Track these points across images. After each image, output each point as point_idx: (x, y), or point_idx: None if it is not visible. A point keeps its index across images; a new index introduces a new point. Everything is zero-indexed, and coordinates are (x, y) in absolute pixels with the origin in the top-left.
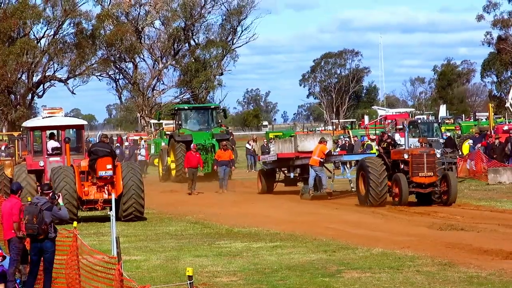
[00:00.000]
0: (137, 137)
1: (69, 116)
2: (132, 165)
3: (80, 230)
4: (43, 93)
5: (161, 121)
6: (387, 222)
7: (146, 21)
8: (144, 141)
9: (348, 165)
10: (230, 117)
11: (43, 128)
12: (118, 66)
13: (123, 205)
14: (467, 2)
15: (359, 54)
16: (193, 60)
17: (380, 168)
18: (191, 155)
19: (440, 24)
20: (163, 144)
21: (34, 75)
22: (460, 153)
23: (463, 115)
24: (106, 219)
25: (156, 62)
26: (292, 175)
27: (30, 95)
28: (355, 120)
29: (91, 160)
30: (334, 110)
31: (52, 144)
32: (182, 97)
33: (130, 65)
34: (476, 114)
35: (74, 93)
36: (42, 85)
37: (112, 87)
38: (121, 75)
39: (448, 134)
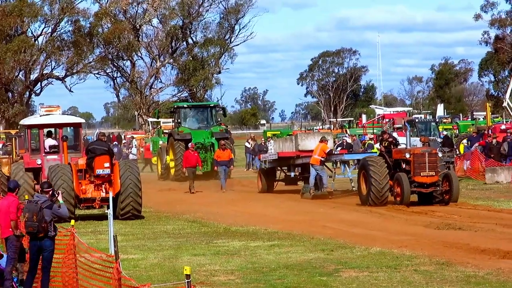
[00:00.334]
0: (135, 135)
1: (67, 114)
2: (130, 163)
3: (77, 229)
4: (41, 91)
5: (159, 119)
6: (385, 221)
7: (144, 19)
8: (136, 140)
9: (348, 164)
10: (228, 115)
11: (40, 126)
12: (116, 64)
13: (120, 204)
14: (464, 1)
15: (357, 53)
16: (191, 59)
17: (381, 168)
18: (189, 155)
19: (438, 23)
20: (161, 142)
21: (32, 73)
22: (458, 152)
23: (461, 114)
24: (104, 217)
25: (153, 60)
26: (292, 174)
27: (27, 93)
28: (352, 119)
29: (88, 158)
30: (332, 109)
31: (49, 142)
32: (180, 95)
33: (128, 63)
34: (474, 113)
35: (72, 91)
36: (39, 83)
37: (110, 85)
38: (118, 73)
39: (445, 133)
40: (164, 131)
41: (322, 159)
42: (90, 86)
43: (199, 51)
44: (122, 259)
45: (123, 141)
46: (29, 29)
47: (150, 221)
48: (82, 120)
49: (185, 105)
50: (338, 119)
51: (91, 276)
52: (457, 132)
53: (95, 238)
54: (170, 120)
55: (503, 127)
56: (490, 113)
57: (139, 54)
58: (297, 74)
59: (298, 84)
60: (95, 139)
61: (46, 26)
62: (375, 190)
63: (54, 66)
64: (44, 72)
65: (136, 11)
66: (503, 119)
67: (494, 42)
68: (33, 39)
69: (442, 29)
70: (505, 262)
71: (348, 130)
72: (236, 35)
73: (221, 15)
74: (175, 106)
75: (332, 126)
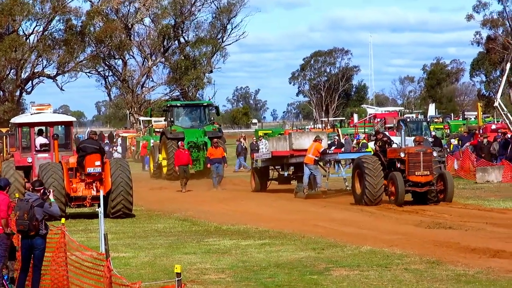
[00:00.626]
0: (126, 134)
1: (58, 113)
2: (121, 162)
3: (68, 227)
4: (32, 89)
5: (151, 118)
6: (376, 220)
7: (136, 18)
8: (121, 139)
9: (342, 164)
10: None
11: (31, 125)
12: (108, 63)
13: (111, 202)
14: (456, 2)
15: (349, 53)
16: (183, 58)
17: (376, 167)
18: (180, 153)
19: (430, 23)
20: (152, 141)
21: (23, 72)
22: (449, 151)
23: (452, 114)
24: (95, 216)
25: (145, 59)
26: (286, 173)
27: (18, 91)
28: (344, 118)
29: (79, 156)
30: (324, 108)
31: (40, 140)
32: (172, 94)
33: (120, 62)
34: (465, 113)
35: (63, 90)
36: (30, 81)
37: (101, 84)
38: (110, 72)
39: (433, 133)
40: (156, 130)
41: (316, 158)
42: (82, 84)
43: (191, 50)
44: (113, 257)
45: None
46: (20, 28)
47: (141, 220)
48: (73, 119)
49: (178, 104)
50: (329, 119)
51: (82, 274)
52: (449, 131)
53: (85, 237)
54: (162, 119)
55: (493, 127)
56: (482, 113)
57: (131, 53)
58: (289, 74)
59: (290, 83)
60: (86, 138)
61: (37, 24)
62: (370, 190)
63: (46, 65)
64: (36, 70)
65: (128, 10)
66: (494, 119)
67: (486, 42)
68: (24, 37)
69: (434, 30)
70: (495, 261)
71: (339, 130)
72: (228, 35)
73: (213, 14)
74: (168, 105)
75: (323, 125)
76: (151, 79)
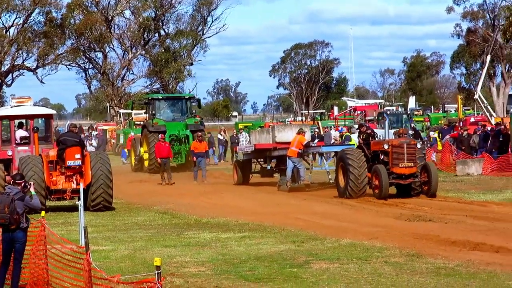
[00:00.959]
0: (106, 127)
1: (38, 106)
2: (101, 154)
3: (48, 220)
4: (12, 82)
5: (132, 111)
6: (356, 213)
7: (116, 10)
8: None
9: (325, 157)
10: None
11: (11, 117)
12: (88, 56)
13: (91, 195)
14: None
15: (329, 45)
16: (163, 50)
17: (360, 160)
18: (161, 146)
19: (410, 16)
20: (133, 134)
21: (3, 64)
22: (429, 144)
23: (432, 106)
24: (74, 209)
25: (125, 52)
26: (268, 166)
27: None
28: (324, 111)
29: (59, 149)
30: (304, 101)
31: (20, 133)
32: (152, 87)
33: (100, 54)
34: (445, 105)
35: (43, 82)
36: (10, 74)
37: (82, 76)
38: (90, 64)
39: (413, 125)
40: (136, 122)
41: (300, 151)
42: (62, 77)
43: (171, 43)
44: (93, 251)
45: (95, 133)
46: (0, 20)
47: (121, 213)
48: (53, 112)
49: (159, 97)
50: (310, 111)
51: (61, 267)
52: (429, 124)
53: (65, 230)
54: (142, 111)
55: (472, 119)
56: (462, 106)
57: (111, 46)
58: (269, 66)
59: (270, 76)
60: (66, 131)
61: (17, 17)
62: (353, 182)
63: (26, 57)
64: (16, 63)
65: (108, 3)
66: (474, 111)
67: (466, 34)
68: (4, 30)
69: (415, 22)
70: (475, 254)
71: (320, 122)
72: (209, 27)
73: (193, 6)
74: (150, 98)
75: (304, 118)
76: (131, 72)
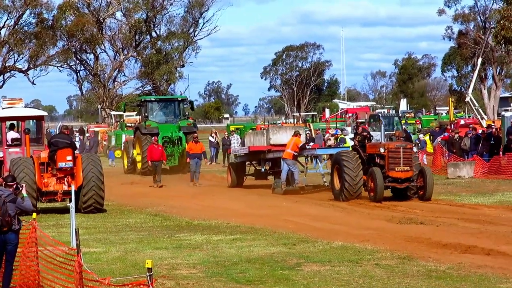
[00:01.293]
0: (97, 129)
1: (29, 107)
2: (93, 156)
3: (39, 222)
4: (3, 83)
5: (126, 113)
6: (347, 216)
7: (108, 12)
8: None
9: (320, 159)
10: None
11: (2, 119)
12: (79, 57)
13: (82, 197)
14: None
15: (321, 48)
16: (155, 52)
17: (355, 162)
18: (153, 148)
19: (401, 18)
20: (124, 135)
21: None
22: (420, 146)
23: (424, 109)
24: (66, 210)
25: (117, 54)
26: (263, 168)
27: None
28: (316, 113)
29: (51, 151)
30: (295, 103)
31: (11, 135)
32: (143, 89)
33: (91, 56)
34: (437, 108)
35: (35, 84)
36: (2, 75)
37: (73, 78)
38: (82, 66)
39: (404, 127)
40: (127, 124)
41: (295, 153)
42: (53, 79)
43: (162, 44)
44: (84, 253)
45: (86, 135)
46: None
47: (112, 215)
48: (44, 113)
49: (152, 99)
50: (301, 113)
51: (53, 269)
52: (420, 126)
53: (56, 232)
54: (133, 113)
55: (462, 122)
56: (453, 108)
57: (103, 47)
58: (260, 68)
59: (261, 78)
60: (57, 132)
61: (8, 18)
62: (349, 185)
63: (17, 59)
64: (7, 64)
65: (100, 4)
66: (465, 114)
67: (458, 37)
68: None
69: (406, 24)
70: (466, 257)
71: (311, 125)
72: (200, 29)
73: (185, 8)
74: (142, 100)
75: (295, 120)
76: (123, 74)
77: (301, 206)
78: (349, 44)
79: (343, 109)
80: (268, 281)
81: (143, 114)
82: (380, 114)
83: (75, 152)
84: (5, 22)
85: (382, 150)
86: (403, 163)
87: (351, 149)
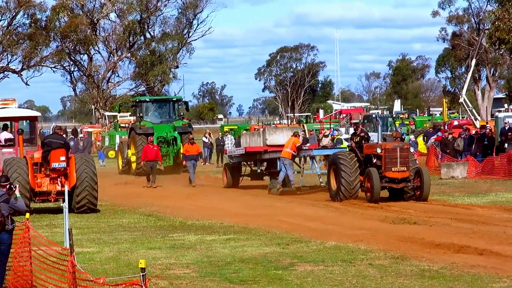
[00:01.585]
0: (91, 129)
1: (23, 108)
2: (86, 157)
3: (32, 222)
4: None
5: (120, 113)
6: (341, 216)
7: (102, 13)
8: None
9: (316, 160)
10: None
11: None
12: (73, 58)
13: (76, 197)
14: None
15: (315, 49)
16: (149, 53)
17: (352, 163)
18: (148, 148)
19: (396, 19)
20: (121, 136)
21: None
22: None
23: (418, 110)
24: (59, 211)
25: (111, 55)
26: (259, 169)
27: None
28: (310, 114)
29: (44, 151)
30: (290, 104)
31: (5, 135)
32: (137, 89)
33: (85, 57)
34: (430, 109)
35: (28, 85)
36: None
37: (67, 79)
38: (75, 67)
39: (399, 129)
40: (121, 125)
41: (294, 153)
42: (47, 79)
43: (156, 45)
44: (77, 253)
45: (80, 135)
46: None
47: (106, 215)
48: (38, 114)
49: (147, 99)
50: (295, 114)
51: (46, 269)
52: (414, 127)
53: (50, 232)
54: (127, 114)
55: (456, 123)
56: (447, 109)
57: (96, 48)
58: (255, 69)
59: (256, 79)
60: (51, 133)
61: (2, 19)
62: (345, 186)
63: (10, 59)
64: (0, 65)
65: (94, 5)
66: (459, 115)
67: (451, 38)
68: None
69: (400, 26)
70: (459, 257)
71: (305, 125)
72: (194, 30)
73: (179, 9)
74: (137, 100)
75: (289, 121)
76: (116, 74)
77: (295, 206)
78: (344, 46)
79: (337, 110)
80: (261, 281)
81: (138, 115)
82: (374, 115)
83: (69, 152)
84: None
85: (379, 151)
86: (400, 164)
87: (348, 149)
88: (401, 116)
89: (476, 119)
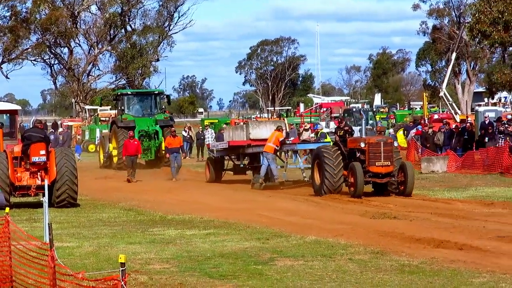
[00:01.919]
0: (71, 123)
1: (3, 101)
2: (66, 151)
3: (12, 216)
4: None
5: (101, 107)
6: (321, 210)
7: (82, 5)
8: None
9: (300, 154)
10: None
11: None
12: (53, 51)
13: (56, 191)
14: None
15: (296, 42)
16: (129, 46)
17: (336, 157)
18: (129, 143)
19: (376, 13)
20: (98, 130)
21: None
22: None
23: (398, 104)
24: (39, 205)
25: (91, 48)
26: (241, 163)
27: None
28: (290, 108)
29: (24, 145)
30: (270, 97)
31: None
32: (118, 83)
33: (66, 50)
34: (411, 103)
35: (8, 78)
36: None
37: (47, 72)
38: (56, 60)
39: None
40: (101, 118)
41: (277, 147)
42: (27, 72)
43: (137, 38)
44: (57, 247)
45: (60, 129)
46: None
47: (86, 209)
48: (18, 107)
49: (129, 92)
50: (276, 108)
51: (26, 263)
52: (394, 121)
53: (30, 226)
54: (108, 107)
55: (436, 117)
56: (427, 103)
57: (77, 41)
58: (235, 63)
59: (236, 72)
60: (31, 127)
61: None
62: (329, 180)
63: None
64: None
65: None
66: (439, 109)
67: (432, 32)
68: None
69: (381, 19)
70: (439, 251)
71: (286, 119)
72: (175, 23)
73: (160, 2)
74: (119, 93)
75: (269, 114)
76: (97, 68)
77: (275, 201)
78: (324, 39)
79: (317, 103)
80: (241, 276)
81: (119, 108)
82: (355, 109)
83: (49, 146)
84: None
85: (362, 145)
86: (384, 158)
87: (332, 144)
88: (382, 110)
89: (456, 113)
